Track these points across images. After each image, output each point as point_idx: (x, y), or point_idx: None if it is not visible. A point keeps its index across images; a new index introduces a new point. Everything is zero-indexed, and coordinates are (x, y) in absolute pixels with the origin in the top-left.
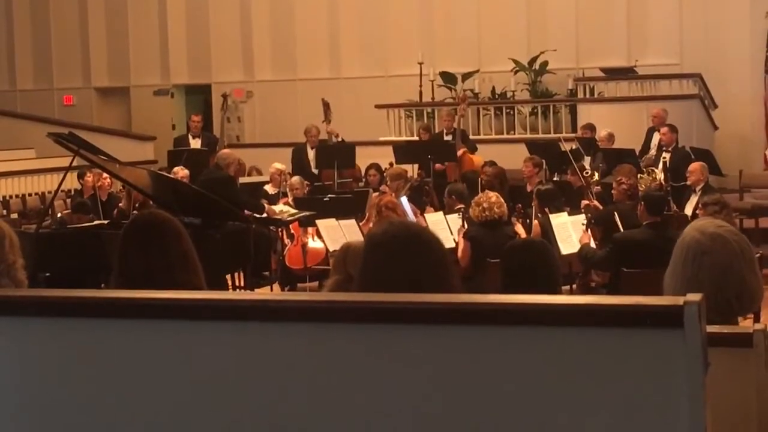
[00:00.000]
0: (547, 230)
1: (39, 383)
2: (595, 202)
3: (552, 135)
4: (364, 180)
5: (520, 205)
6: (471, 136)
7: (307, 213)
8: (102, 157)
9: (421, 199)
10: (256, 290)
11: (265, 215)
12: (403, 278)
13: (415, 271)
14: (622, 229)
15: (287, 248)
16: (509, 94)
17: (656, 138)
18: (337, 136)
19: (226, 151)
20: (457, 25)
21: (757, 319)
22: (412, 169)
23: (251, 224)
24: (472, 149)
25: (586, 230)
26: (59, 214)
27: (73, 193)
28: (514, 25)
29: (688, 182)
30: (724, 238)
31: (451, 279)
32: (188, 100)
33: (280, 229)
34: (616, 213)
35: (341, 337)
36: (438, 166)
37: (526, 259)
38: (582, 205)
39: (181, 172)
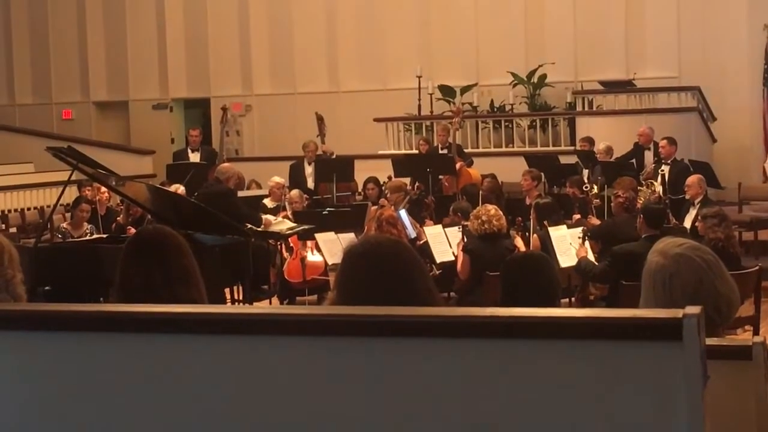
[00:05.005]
0: (546, 243)
1: (38, 398)
2: (593, 218)
3: (551, 148)
4: (362, 193)
5: (519, 218)
6: (470, 149)
7: (306, 226)
8: (100, 171)
9: (420, 213)
10: (255, 304)
11: (263, 228)
12: (374, 291)
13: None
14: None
15: (286, 262)
16: (508, 108)
17: (649, 156)
18: (332, 154)
19: (226, 164)
20: (456, 38)
21: (756, 332)
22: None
23: (250, 238)
24: (468, 163)
25: (582, 244)
26: (61, 226)
27: (71, 207)
28: (512, 39)
29: (686, 196)
30: (686, 257)
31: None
32: (187, 114)
33: (279, 243)
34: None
35: (341, 351)
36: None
37: (525, 272)
38: (574, 220)
39: (179, 189)
